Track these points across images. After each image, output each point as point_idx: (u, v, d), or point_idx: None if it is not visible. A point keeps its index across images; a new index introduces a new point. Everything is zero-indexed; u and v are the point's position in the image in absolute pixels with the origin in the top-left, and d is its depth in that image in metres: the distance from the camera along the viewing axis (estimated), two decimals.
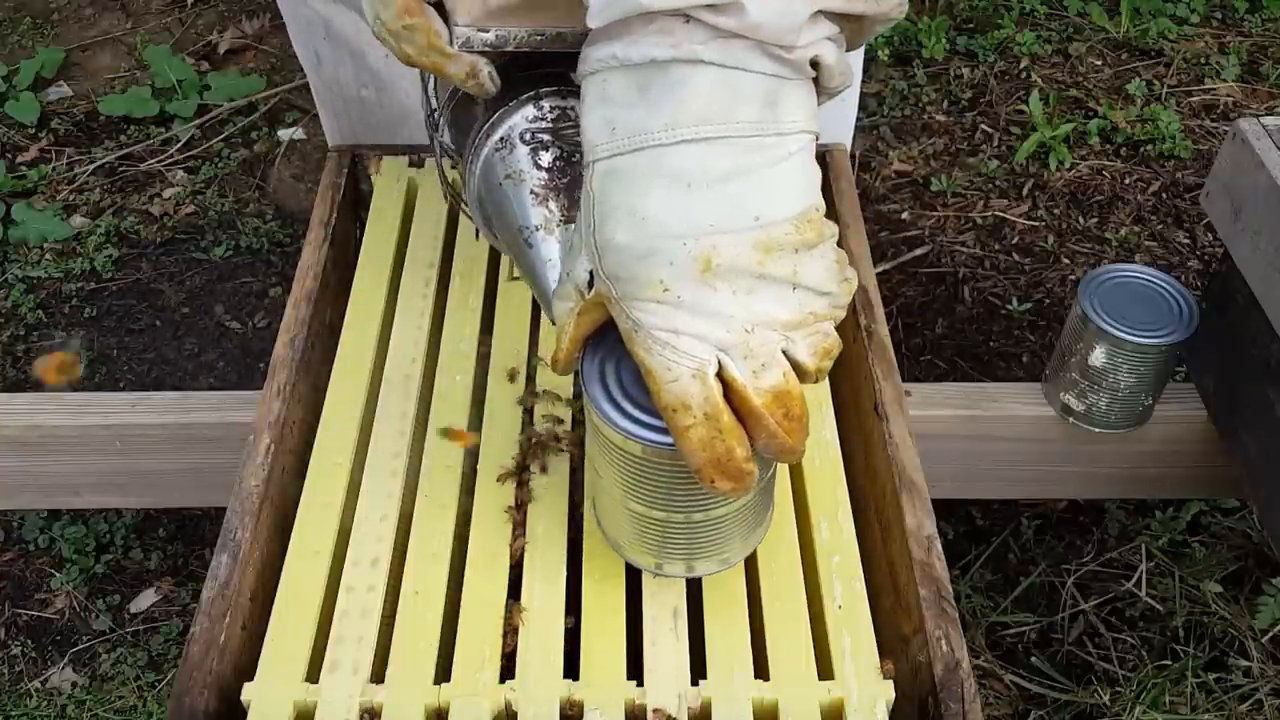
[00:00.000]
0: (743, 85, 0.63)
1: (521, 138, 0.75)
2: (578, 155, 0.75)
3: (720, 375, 0.66)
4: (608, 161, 0.65)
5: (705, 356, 0.65)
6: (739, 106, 0.63)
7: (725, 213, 0.63)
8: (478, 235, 0.88)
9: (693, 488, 0.73)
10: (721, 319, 0.64)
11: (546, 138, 0.75)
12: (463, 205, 0.81)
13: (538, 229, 0.75)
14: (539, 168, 0.75)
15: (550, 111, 0.76)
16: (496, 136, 0.76)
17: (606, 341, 0.72)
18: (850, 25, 0.68)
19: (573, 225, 0.73)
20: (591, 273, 0.67)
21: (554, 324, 0.73)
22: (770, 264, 0.64)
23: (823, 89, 0.68)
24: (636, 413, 0.71)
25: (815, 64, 0.65)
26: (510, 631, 0.82)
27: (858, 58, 1.27)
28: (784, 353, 0.66)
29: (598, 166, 0.65)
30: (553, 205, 0.75)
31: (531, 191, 0.75)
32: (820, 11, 0.64)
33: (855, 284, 0.70)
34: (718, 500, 0.75)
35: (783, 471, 0.91)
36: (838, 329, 0.70)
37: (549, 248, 0.74)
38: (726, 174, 0.63)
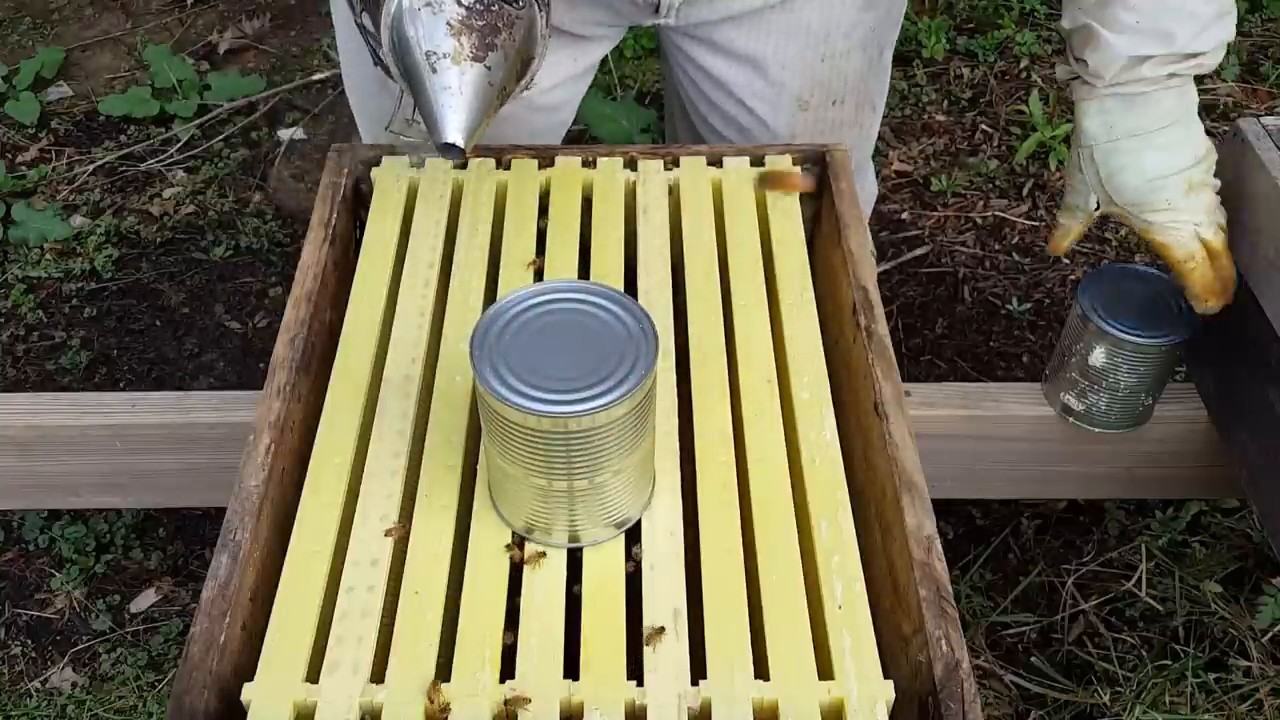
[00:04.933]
0: (1187, 101, 1.12)
1: None
2: (496, 5, 0.82)
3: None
4: (1108, 144, 1.13)
5: (1197, 224, 1.14)
6: (1186, 113, 1.13)
7: (1184, 160, 1.13)
8: (378, 63, 0.90)
9: (562, 455, 0.80)
10: (1201, 211, 1.14)
11: None
12: (364, 21, 0.86)
13: (445, 56, 0.80)
14: (460, 4, 0.80)
15: None
16: None
17: (497, 336, 0.81)
18: None
19: (477, 64, 0.81)
20: (1098, 202, 1.17)
21: (439, 141, 0.82)
22: (1212, 180, 1.16)
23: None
24: (519, 384, 0.79)
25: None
26: (511, 613, 0.83)
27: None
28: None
29: (1098, 148, 1.13)
30: (464, 40, 0.80)
31: (448, 23, 0.80)
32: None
33: None
34: (593, 468, 0.82)
35: (783, 472, 0.92)
36: None
37: (448, 76, 0.79)
38: (1179, 142, 1.13)
